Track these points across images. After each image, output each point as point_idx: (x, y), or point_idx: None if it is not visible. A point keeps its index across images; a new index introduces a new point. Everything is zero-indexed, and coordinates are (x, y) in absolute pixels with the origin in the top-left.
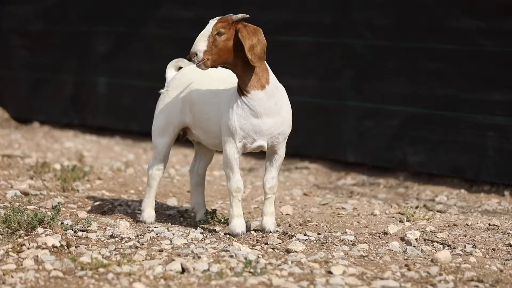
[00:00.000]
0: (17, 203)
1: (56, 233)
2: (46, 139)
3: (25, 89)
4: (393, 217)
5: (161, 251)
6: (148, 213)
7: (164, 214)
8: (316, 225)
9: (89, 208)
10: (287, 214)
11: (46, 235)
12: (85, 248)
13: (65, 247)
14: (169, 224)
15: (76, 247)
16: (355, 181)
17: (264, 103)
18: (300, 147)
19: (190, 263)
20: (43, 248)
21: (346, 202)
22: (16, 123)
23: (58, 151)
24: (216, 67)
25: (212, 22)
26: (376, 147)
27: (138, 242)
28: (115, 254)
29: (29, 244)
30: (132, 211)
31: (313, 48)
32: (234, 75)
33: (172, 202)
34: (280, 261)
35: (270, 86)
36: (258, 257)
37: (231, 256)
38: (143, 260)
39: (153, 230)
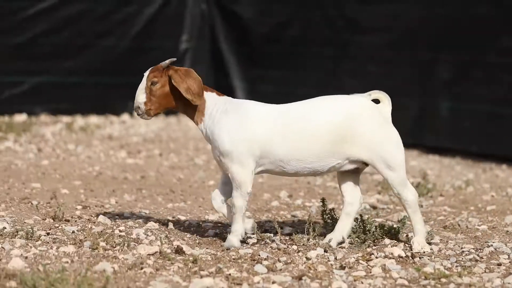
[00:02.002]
0: (366, 216)
1: (402, 243)
2: None
3: None
4: None
5: (499, 265)
6: None
7: None
8: None
9: (431, 222)
10: None
11: (392, 246)
12: (428, 259)
13: (410, 258)
14: (507, 239)
15: (420, 258)
16: None
17: (205, 133)
18: None
19: None
20: (390, 258)
21: None
22: None
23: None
24: (158, 114)
25: (146, 73)
26: None
27: (478, 255)
28: (456, 266)
29: (377, 254)
30: (472, 226)
31: None
32: None
33: None
34: None
35: (206, 118)
36: None
37: None
38: (482, 273)
39: (491, 245)
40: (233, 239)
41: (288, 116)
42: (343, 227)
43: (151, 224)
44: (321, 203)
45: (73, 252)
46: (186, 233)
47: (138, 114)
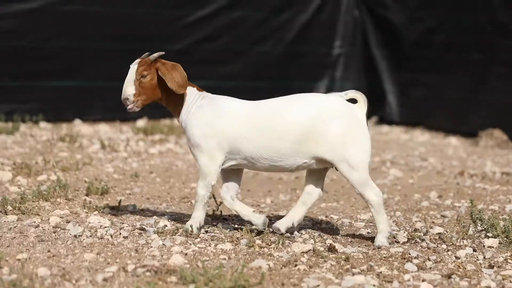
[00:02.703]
0: None
1: None
2: None
3: None
4: None
5: None
6: None
7: None
8: None
9: None
10: None
11: None
12: None
13: None
14: None
15: None
16: None
17: (182, 125)
18: None
19: None
20: None
21: None
22: None
23: None
24: (144, 106)
25: (134, 67)
26: None
27: None
28: None
29: None
30: None
31: None
32: None
33: None
34: None
35: (183, 111)
36: None
37: None
38: None
39: None
40: (191, 224)
41: (258, 113)
42: (296, 214)
43: (304, 223)
44: (470, 204)
45: (230, 250)
46: (338, 232)
47: (126, 106)
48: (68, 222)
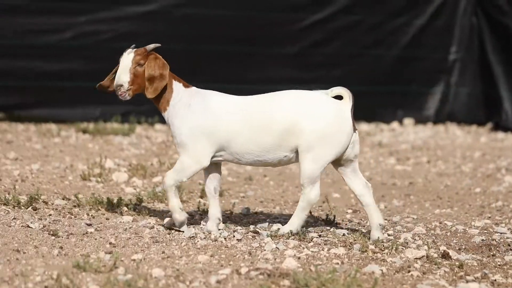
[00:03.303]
0: None
1: None
2: None
3: None
4: None
5: None
6: None
7: None
8: None
9: None
10: None
11: None
12: None
13: None
14: None
15: None
16: None
17: (167, 122)
18: None
19: None
20: None
21: None
22: None
23: None
24: (135, 95)
25: (130, 55)
26: None
27: None
28: None
29: None
30: None
31: None
32: None
33: None
34: None
35: (169, 108)
36: None
37: None
38: None
39: None
40: (174, 216)
41: (246, 109)
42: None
43: (418, 229)
44: None
45: (343, 254)
46: (452, 239)
47: (118, 93)
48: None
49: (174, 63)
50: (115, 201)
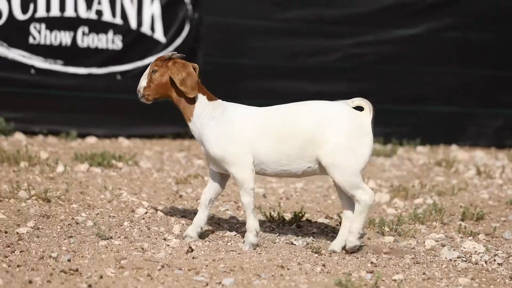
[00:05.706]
0: None
1: None
2: None
3: None
4: None
5: None
6: None
7: None
8: None
9: None
10: None
11: None
12: None
13: None
14: None
15: None
16: None
17: (194, 133)
18: None
19: None
20: None
21: None
22: None
23: None
24: (155, 100)
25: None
26: None
27: None
28: None
29: None
30: None
31: None
32: None
33: None
34: None
35: (194, 119)
36: None
37: None
38: None
39: None
40: (249, 235)
41: (268, 119)
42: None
43: None
44: None
45: None
46: None
47: (139, 97)
48: (443, 246)
49: (433, 86)
50: (376, 221)
